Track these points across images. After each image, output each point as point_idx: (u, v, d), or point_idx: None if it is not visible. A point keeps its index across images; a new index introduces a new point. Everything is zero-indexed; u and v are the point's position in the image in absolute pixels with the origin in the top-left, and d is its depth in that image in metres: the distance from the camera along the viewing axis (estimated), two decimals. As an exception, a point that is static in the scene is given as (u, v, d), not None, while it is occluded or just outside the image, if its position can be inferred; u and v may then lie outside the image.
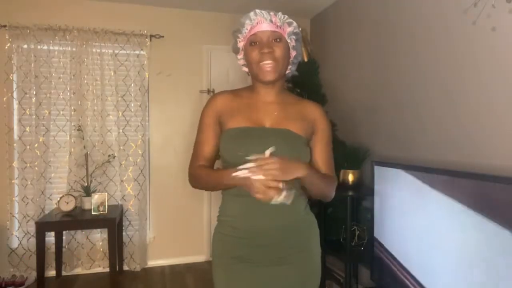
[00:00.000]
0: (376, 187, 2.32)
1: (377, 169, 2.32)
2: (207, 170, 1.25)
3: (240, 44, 1.27)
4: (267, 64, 1.18)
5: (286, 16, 1.23)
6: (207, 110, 1.29)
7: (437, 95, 2.16)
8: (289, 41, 1.24)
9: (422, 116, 2.28)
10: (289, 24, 1.23)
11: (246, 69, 1.31)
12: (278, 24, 1.21)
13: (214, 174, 1.21)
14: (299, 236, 1.25)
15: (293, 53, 1.27)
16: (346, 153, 2.68)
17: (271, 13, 1.21)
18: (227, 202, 1.26)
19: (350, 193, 2.44)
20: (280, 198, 1.02)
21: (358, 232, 2.62)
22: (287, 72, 1.30)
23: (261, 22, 1.20)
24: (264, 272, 1.21)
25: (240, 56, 1.30)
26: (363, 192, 2.60)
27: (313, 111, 1.30)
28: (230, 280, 1.23)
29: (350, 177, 2.62)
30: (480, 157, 1.86)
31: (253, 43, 1.21)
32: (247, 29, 1.22)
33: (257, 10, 1.21)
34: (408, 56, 2.41)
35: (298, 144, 1.21)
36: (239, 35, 1.25)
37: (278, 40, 1.20)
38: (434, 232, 1.84)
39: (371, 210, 2.43)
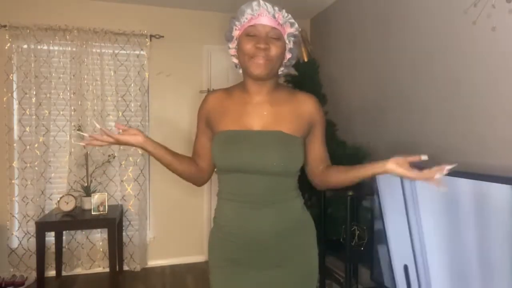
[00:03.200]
0: (376, 187, 2.32)
1: (377, 169, 2.31)
2: None
3: (236, 33, 1.19)
4: (260, 60, 1.12)
5: (290, 16, 1.17)
6: (198, 112, 1.30)
7: (436, 95, 2.16)
8: (287, 42, 1.18)
9: (422, 115, 2.28)
10: (291, 24, 1.17)
11: (235, 61, 1.25)
12: (281, 22, 1.15)
13: None
14: (295, 238, 1.22)
15: (288, 55, 1.22)
16: (346, 153, 2.68)
17: (276, 8, 1.14)
18: (221, 206, 1.24)
19: (350, 193, 2.44)
20: None
21: (358, 232, 2.62)
22: (279, 73, 1.25)
23: (263, 15, 1.13)
24: (260, 275, 1.19)
25: (233, 45, 1.22)
26: (363, 192, 2.60)
27: (307, 105, 1.24)
28: (226, 282, 1.22)
29: (350, 177, 2.61)
30: (481, 156, 1.86)
31: (249, 35, 1.14)
32: (246, 19, 1.15)
33: (261, 1, 1.14)
34: (407, 56, 2.41)
35: (291, 146, 1.16)
36: (237, 23, 1.17)
37: (276, 38, 1.14)
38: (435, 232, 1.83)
39: (371, 210, 2.43)
